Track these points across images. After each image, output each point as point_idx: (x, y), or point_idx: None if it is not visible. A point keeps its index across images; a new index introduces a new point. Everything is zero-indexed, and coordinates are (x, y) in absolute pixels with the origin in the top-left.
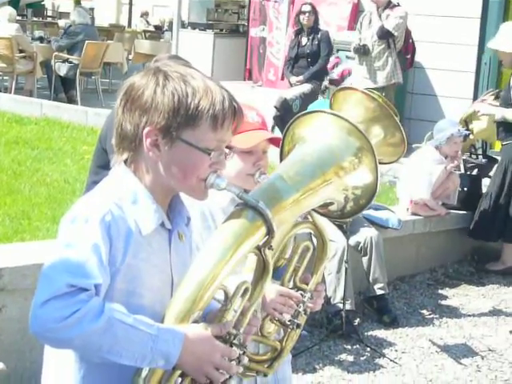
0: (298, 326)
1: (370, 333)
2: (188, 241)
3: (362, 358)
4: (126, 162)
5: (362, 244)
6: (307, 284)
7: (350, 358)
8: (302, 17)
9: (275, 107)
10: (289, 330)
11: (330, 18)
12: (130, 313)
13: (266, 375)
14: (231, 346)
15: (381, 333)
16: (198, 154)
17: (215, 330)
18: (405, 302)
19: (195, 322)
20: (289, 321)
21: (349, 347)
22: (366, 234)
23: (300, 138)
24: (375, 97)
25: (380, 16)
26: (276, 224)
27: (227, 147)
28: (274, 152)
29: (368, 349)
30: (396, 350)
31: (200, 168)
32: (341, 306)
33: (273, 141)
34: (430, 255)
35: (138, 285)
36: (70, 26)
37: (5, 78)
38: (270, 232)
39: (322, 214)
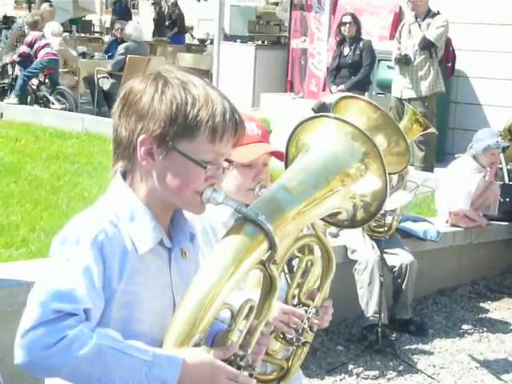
0: (304, 343)
1: (407, 347)
2: (193, 258)
3: (398, 374)
4: (124, 174)
5: (396, 268)
6: (313, 300)
7: (387, 374)
8: (343, 28)
9: (312, 109)
10: (294, 347)
11: (372, 28)
12: (128, 339)
13: None
14: (239, 368)
15: (418, 347)
16: (193, 167)
17: (218, 353)
18: (444, 316)
19: (196, 345)
20: (293, 338)
21: (385, 363)
22: (402, 260)
23: (304, 144)
24: (378, 105)
25: (420, 25)
26: (279, 237)
27: (227, 161)
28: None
29: (405, 364)
30: (434, 366)
31: (195, 181)
32: (373, 319)
33: (274, 153)
34: (471, 268)
35: (136, 311)
36: (121, 41)
37: None
38: (272, 246)
39: (331, 224)
